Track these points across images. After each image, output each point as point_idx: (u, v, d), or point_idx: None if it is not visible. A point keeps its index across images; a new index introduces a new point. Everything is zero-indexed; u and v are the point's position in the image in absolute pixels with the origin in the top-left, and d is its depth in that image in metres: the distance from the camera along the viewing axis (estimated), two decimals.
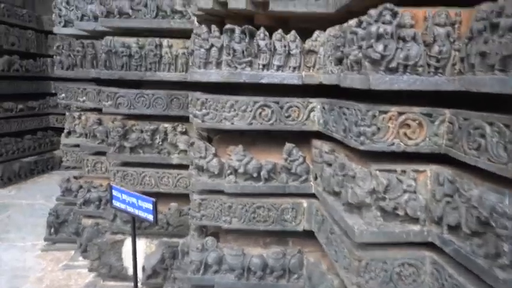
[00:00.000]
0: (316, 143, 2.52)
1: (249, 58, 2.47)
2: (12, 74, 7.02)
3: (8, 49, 6.87)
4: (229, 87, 2.67)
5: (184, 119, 3.46)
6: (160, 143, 3.49)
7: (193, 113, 2.58)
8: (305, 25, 2.61)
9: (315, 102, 2.55)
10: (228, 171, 2.65)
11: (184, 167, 3.54)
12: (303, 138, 2.72)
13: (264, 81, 2.50)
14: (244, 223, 2.70)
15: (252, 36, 2.50)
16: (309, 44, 2.50)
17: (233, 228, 2.73)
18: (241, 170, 2.60)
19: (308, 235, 2.70)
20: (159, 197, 3.44)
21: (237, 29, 2.46)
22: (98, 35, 3.88)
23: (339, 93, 2.31)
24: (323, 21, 2.58)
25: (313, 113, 2.57)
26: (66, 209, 4.52)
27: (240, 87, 2.65)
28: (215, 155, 2.65)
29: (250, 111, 2.54)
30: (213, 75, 2.50)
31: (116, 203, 3.18)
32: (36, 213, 5.91)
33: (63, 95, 4.30)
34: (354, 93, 1.96)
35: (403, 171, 1.70)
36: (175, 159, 3.51)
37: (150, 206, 2.89)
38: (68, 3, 4.11)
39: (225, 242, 2.81)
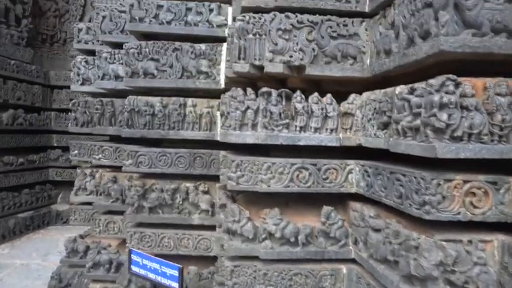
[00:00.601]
0: (356, 205, 2.45)
1: (286, 120, 2.48)
2: (15, 127, 6.95)
3: (14, 103, 6.87)
4: (261, 148, 2.64)
5: (207, 178, 3.39)
6: (180, 202, 3.37)
7: (228, 175, 2.51)
8: (337, 88, 2.66)
9: (353, 164, 2.53)
10: (263, 236, 2.54)
11: (205, 227, 3.40)
12: (337, 200, 2.66)
13: (301, 143, 2.49)
14: None
15: (288, 98, 2.52)
16: (345, 106, 2.53)
17: None
18: (278, 235, 2.49)
19: None
20: (177, 259, 3.27)
21: (274, 92, 2.48)
22: (117, 94, 3.91)
23: (380, 155, 2.29)
24: (355, 85, 2.64)
25: (351, 175, 2.54)
26: (70, 272, 4.24)
27: (272, 148, 2.62)
28: (249, 218, 2.55)
29: (288, 173, 2.49)
30: (249, 137, 2.48)
31: (134, 269, 2.99)
32: (32, 274, 5.53)
33: (76, 151, 4.22)
34: (400, 157, 1.94)
35: (469, 242, 1.63)
36: (196, 219, 3.37)
37: (175, 273, 2.73)
38: (87, 62, 4.17)
39: None
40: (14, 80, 6.83)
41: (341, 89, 2.64)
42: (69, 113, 4.11)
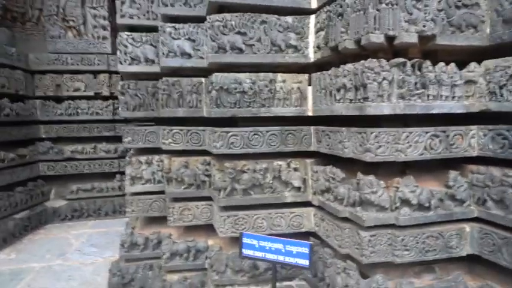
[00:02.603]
0: (478, 168, 2.62)
1: (422, 90, 2.52)
2: (3, 119, 6.18)
3: None
4: (374, 119, 2.65)
5: (298, 155, 3.35)
6: (270, 181, 3.30)
7: (366, 147, 2.52)
8: (451, 57, 2.74)
9: (475, 129, 2.66)
10: (397, 204, 2.61)
11: (296, 204, 3.39)
12: (453, 164, 2.80)
13: (434, 111, 2.56)
14: (414, 255, 2.65)
15: (418, 68, 2.56)
16: (467, 74, 2.63)
17: (405, 262, 2.65)
18: (414, 201, 2.58)
19: (450, 260, 2.75)
20: None
21: (408, 62, 2.50)
22: (173, 73, 3.64)
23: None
24: (469, 54, 2.74)
25: (473, 140, 2.67)
26: (132, 267, 3.99)
27: (393, 119, 2.66)
28: (386, 188, 2.60)
29: (422, 141, 2.56)
30: (386, 108, 2.49)
31: (247, 252, 2.91)
32: (61, 276, 5.10)
33: (129, 138, 3.88)
34: None
35: None
36: (289, 197, 3.34)
37: (304, 250, 2.71)
38: (133, 39, 3.81)
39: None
40: None
41: (454, 59, 2.73)
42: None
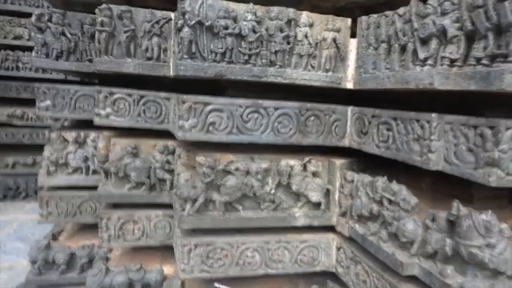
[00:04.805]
0: None
1: None
2: None
3: None
4: None
5: (319, 151, 2.06)
6: (272, 191, 2.00)
7: (493, 158, 1.24)
8: None
9: None
10: None
11: (310, 229, 2.12)
12: None
13: None
14: None
15: None
16: None
17: None
18: None
19: None
20: (261, 283, 2.03)
21: None
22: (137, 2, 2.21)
23: None
24: None
25: None
26: None
27: None
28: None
29: None
30: None
31: None
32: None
33: (47, 102, 2.43)
34: None
35: None
36: (300, 218, 2.05)
37: None
38: None
39: None
40: None
41: None
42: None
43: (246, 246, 2.02)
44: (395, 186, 1.65)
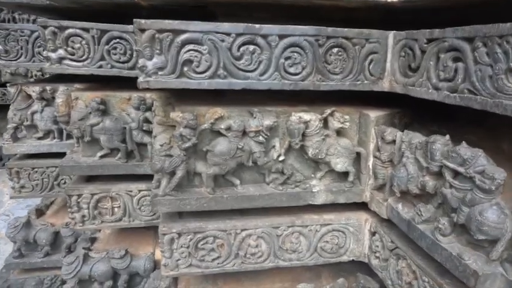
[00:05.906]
0: None
1: None
2: None
3: None
4: None
5: (349, 101, 1.46)
6: (280, 158, 1.44)
7: None
8: None
9: None
10: None
11: (335, 208, 1.56)
12: None
13: None
14: None
15: None
16: None
17: None
18: None
19: None
20: (268, 277, 1.56)
21: None
22: None
23: None
24: None
25: None
26: (29, 281, 2.30)
27: None
28: None
29: None
30: None
31: None
32: None
33: None
34: None
35: None
36: (320, 193, 1.49)
37: None
38: None
39: None
40: None
41: None
42: None
43: (248, 232, 1.50)
44: (466, 150, 1.03)
